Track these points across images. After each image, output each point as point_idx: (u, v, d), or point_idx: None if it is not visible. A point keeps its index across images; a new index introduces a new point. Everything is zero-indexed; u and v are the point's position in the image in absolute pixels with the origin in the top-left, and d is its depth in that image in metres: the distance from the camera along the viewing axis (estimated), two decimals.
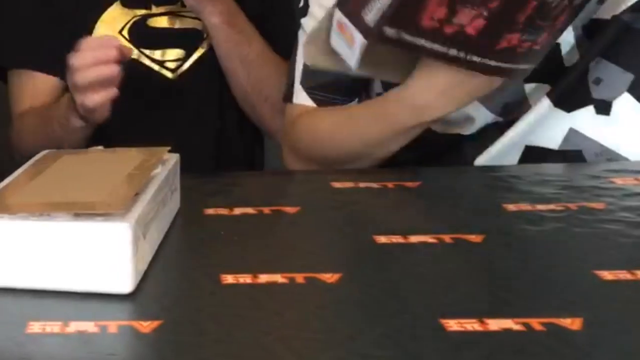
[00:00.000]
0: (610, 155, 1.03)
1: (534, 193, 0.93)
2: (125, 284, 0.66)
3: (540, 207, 0.87)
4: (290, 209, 0.88)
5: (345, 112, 1.10)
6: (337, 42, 0.88)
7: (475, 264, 0.74)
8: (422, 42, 0.88)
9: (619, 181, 0.94)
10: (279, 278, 0.70)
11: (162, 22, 1.41)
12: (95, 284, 0.66)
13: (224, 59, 1.37)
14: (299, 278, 0.70)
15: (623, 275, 0.69)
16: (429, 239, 0.78)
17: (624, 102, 1.03)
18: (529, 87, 1.05)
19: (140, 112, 1.25)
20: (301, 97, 1.14)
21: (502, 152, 1.05)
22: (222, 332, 0.62)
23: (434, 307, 0.64)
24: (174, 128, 1.39)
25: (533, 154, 1.05)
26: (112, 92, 1.16)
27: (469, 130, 1.08)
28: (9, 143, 1.40)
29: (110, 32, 1.39)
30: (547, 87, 1.04)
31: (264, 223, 0.85)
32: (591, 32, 1.03)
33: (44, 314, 0.64)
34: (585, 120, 1.04)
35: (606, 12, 1.02)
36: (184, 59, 1.40)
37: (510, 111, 1.06)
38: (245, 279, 0.70)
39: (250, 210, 0.87)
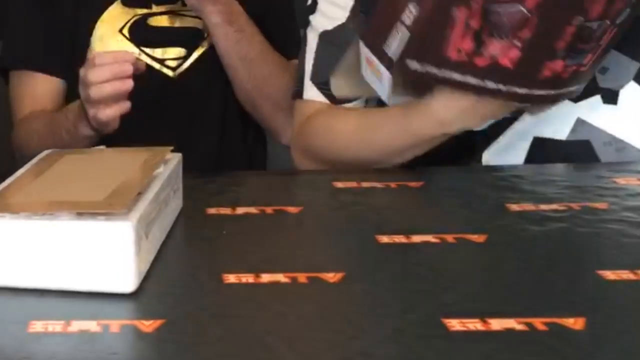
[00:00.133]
0: (619, 145, 1.03)
1: (537, 193, 0.93)
2: (127, 283, 0.66)
3: (543, 207, 0.86)
4: (292, 209, 0.88)
5: (364, 120, 1.08)
6: (368, 75, 0.87)
7: (478, 264, 0.74)
8: (452, 75, 0.88)
9: (621, 181, 0.94)
10: (281, 277, 0.70)
11: (162, 21, 1.41)
12: (97, 283, 0.66)
13: (224, 57, 1.37)
14: (302, 277, 0.70)
15: (626, 275, 0.69)
16: (431, 238, 0.78)
17: (630, 91, 1.03)
18: None
19: (141, 111, 1.24)
20: (312, 93, 1.13)
21: (510, 144, 1.05)
22: (224, 331, 0.62)
23: (437, 307, 0.64)
24: (175, 127, 1.39)
25: (541, 145, 1.04)
26: (125, 106, 1.17)
27: (480, 127, 1.08)
28: (9, 143, 1.41)
29: (110, 31, 1.39)
30: None
31: (266, 223, 0.85)
32: None
33: (46, 313, 0.64)
34: (592, 109, 1.03)
35: None
36: (184, 58, 1.40)
37: (521, 107, 1.06)
38: (248, 278, 0.70)
39: (252, 210, 0.87)
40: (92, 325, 0.62)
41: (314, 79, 1.13)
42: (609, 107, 1.03)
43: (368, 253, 0.76)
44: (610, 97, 1.03)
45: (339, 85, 0.95)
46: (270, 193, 1.01)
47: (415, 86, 0.96)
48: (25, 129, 1.37)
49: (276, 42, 1.39)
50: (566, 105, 1.03)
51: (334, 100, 1.12)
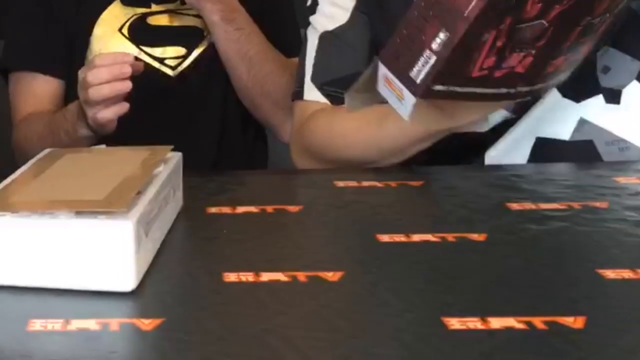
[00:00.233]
0: (622, 144, 1.03)
1: (538, 192, 0.93)
2: (127, 282, 0.66)
3: (543, 206, 0.86)
4: (293, 208, 0.88)
5: (367, 118, 1.08)
6: (385, 92, 0.87)
7: (478, 263, 0.74)
8: (472, 89, 0.88)
9: (622, 180, 0.94)
10: (281, 276, 0.70)
11: (162, 20, 1.41)
12: (97, 282, 0.66)
13: (223, 56, 1.37)
14: (302, 276, 0.70)
15: (626, 274, 0.69)
16: (431, 237, 0.78)
17: (633, 90, 1.03)
18: None
19: (141, 110, 1.25)
20: (312, 94, 1.13)
21: (513, 144, 1.05)
22: (224, 330, 0.62)
23: (436, 306, 0.64)
24: (175, 126, 1.39)
25: (544, 146, 1.04)
26: (124, 107, 1.17)
27: (484, 128, 1.08)
28: (9, 144, 1.41)
29: (110, 30, 1.39)
30: None
31: (266, 222, 0.85)
32: None
33: (46, 311, 0.64)
34: (595, 109, 1.03)
35: None
36: (184, 57, 1.40)
37: (522, 106, 1.06)
38: (248, 277, 0.70)
39: (253, 209, 0.87)
40: (92, 324, 0.62)
41: (314, 80, 1.13)
42: (612, 107, 1.03)
43: (368, 252, 0.76)
44: (613, 97, 1.03)
45: (353, 100, 0.94)
46: (271, 192, 1.01)
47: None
48: (24, 129, 1.38)
49: (276, 40, 1.39)
50: (569, 105, 1.03)
51: (335, 101, 1.12)
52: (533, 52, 0.88)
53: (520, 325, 0.60)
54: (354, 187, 0.96)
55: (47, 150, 0.88)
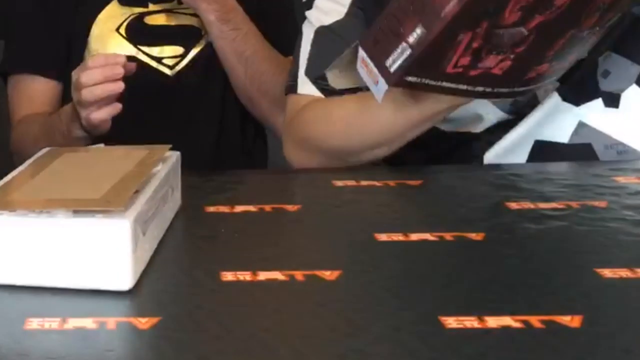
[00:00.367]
0: (620, 148, 1.03)
1: (537, 191, 0.93)
2: (124, 281, 0.66)
3: (542, 205, 0.86)
4: (291, 207, 0.88)
5: (364, 102, 1.07)
6: (362, 73, 0.88)
7: (476, 262, 0.74)
8: (446, 84, 0.90)
9: (621, 179, 0.94)
10: (278, 275, 0.70)
11: (159, 19, 1.41)
12: (94, 281, 0.66)
13: (220, 55, 1.37)
14: (299, 275, 0.70)
15: (624, 273, 0.69)
16: (429, 236, 0.78)
17: (632, 94, 1.03)
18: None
19: (139, 110, 1.25)
20: (307, 88, 1.13)
21: (511, 147, 1.05)
22: (221, 329, 0.62)
23: (433, 305, 0.64)
24: (173, 125, 1.39)
25: (543, 149, 1.04)
26: (117, 107, 1.18)
27: (478, 128, 1.08)
28: (8, 144, 1.42)
29: (107, 30, 1.40)
30: (556, 84, 1.04)
31: (264, 221, 0.85)
32: None
33: (43, 310, 0.64)
34: (594, 113, 1.03)
35: None
36: (182, 56, 1.40)
37: (521, 109, 1.06)
38: (245, 276, 0.70)
39: (251, 208, 0.87)
40: (89, 323, 0.62)
41: (308, 74, 1.13)
42: (611, 111, 1.03)
43: (366, 251, 0.76)
44: (612, 101, 1.03)
45: (336, 77, 0.95)
46: (269, 191, 1.01)
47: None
48: (21, 131, 1.39)
49: (274, 39, 1.39)
50: (568, 109, 1.03)
51: (329, 94, 1.11)
52: (512, 56, 0.89)
53: (517, 324, 0.60)
54: (352, 186, 0.96)
55: (45, 150, 0.88)
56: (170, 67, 1.40)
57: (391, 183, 0.96)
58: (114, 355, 0.59)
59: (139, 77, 1.21)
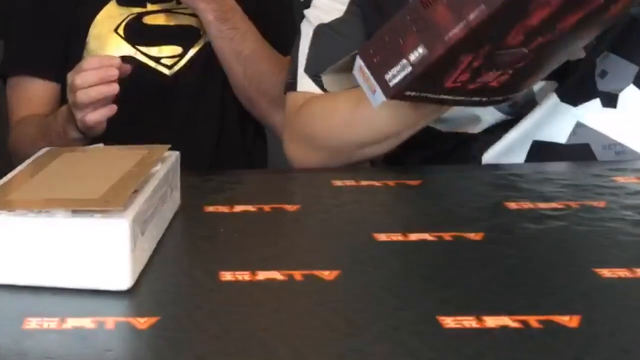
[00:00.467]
0: (618, 148, 1.03)
1: (536, 191, 0.93)
2: (123, 280, 0.66)
3: (541, 205, 0.86)
4: (290, 207, 0.88)
5: (360, 99, 1.07)
6: (359, 80, 0.88)
7: (474, 262, 0.74)
8: (443, 96, 0.91)
9: (620, 179, 0.94)
10: (277, 275, 0.70)
11: (158, 19, 1.41)
12: (93, 281, 0.66)
13: (219, 55, 1.38)
14: (298, 275, 0.70)
15: (623, 273, 0.69)
16: (428, 236, 0.78)
17: (630, 94, 1.03)
18: (537, 85, 1.05)
19: (138, 110, 1.25)
20: (306, 85, 1.13)
21: (509, 148, 1.05)
22: (220, 328, 0.62)
23: (432, 305, 0.64)
24: (172, 125, 1.40)
25: (541, 149, 1.04)
26: (112, 109, 1.19)
27: (475, 129, 1.08)
28: (7, 145, 1.42)
29: (106, 30, 1.40)
30: (554, 84, 1.04)
31: (264, 221, 0.85)
32: None
33: (41, 310, 0.64)
34: (592, 113, 1.03)
35: None
36: (180, 56, 1.40)
37: (519, 110, 1.06)
38: (244, 276, 0.70)
39: (250, 208, 0.87)
40: (87, 323, 0.62)
41: (307, 71, 1.13)
42: (609, 111, 1.03)
43: (365, 251, 0.76)
44: (610, 101, 1.03)
45: (331, 81, 0.95)
46: (268, 191, 1.01)
47: None
48: (19, 131, 1.39)
49: (273, 39, 1.39)
50: (566, 109, 1.03)
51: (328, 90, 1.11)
52: (510, 72, 0.90)
53: (516, 324, 0.60)
54: (352, 186, 0.96)
55: (44, 149, 0.88)
56: (169, 67, 1.40)
57: (390, 183, 0.96)
58: (113, 355, 0.59)
59: (138, 77, 1.21)
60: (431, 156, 1.11)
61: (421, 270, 0.72)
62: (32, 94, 1.41)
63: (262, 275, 0.70)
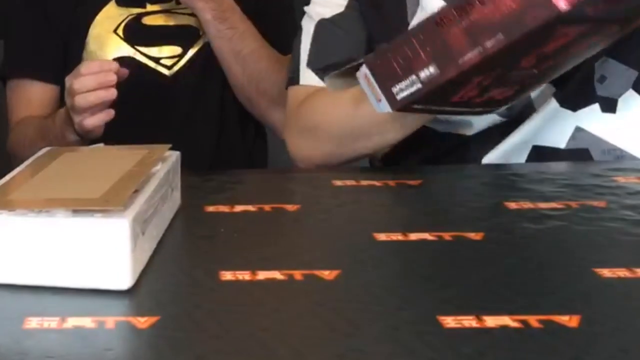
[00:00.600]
0: (617, 153, 1.03)
1: (536, 191, 0.93)
2: (123, 280, 0.66)
3: (541, 205, 0.86)
4: (290, 207, 0.88)
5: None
6: (363, 86, 0.88)
7: (474, 262, 0.74)
8: (448, 108, 0.91)
9: (621, 179, 0.94)
10: (277, 275, 0.70)
11: (157, 19, 1.42)
12: (93, 281, 0.66)
13: (218, 54, 1.38)
14: (298, 275, 0.70)
15: (623, 273, 0.69)
16: (428, 236, 0.78)
17: (629, 99, 1.03)
18: (535, 90, 1.05)
19: (137, 110, 1.25)
20: (309, 78, 1.12)
21: (508, 152, 1.05)
22: (220, 328, 0.62)
23: (432, 304, 0.64)
24: (172, 125, 1.40)
25: (540, 154, 1.05)
26: (110, 114, 1.19)
27: (470, 130, 1.08)
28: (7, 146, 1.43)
29: (105, 31, 1.40)
30: (553, 89, 1.04)
31: (264, 221, 0.85)
32: None
33: (42, 309, 0.64)
34: (591, 118, 1.04)
35: None
36: (180, 56, 1.41)
37: (515, 112, 1.06)
38: (244, 276, 0.70)
39: (250, 207, 0.87)
40: (87, 322, 0.62)
41: (310, 65, 1.13)
42: (608, 116, 1.03)
43: (365, 251, 0.76)
44: (609, 106, 1.03)
45: (334, 83, 0.95)
46: (269, 191, 1.01)
47: None
48: (18, 133, 1.40)
49: (273, 39, 1.40)
50: (565, 114, 1.03)
51: None
52: (516, 87, 0.91)
53: (516, 324, 0.60)
54: (352, 186, 0.96)
55: (44, 149, 0.88)
56: (168, 68, 1.40)
57: (391, 183, 0.96)
58: (113, 354, 0.59)
59: (137, 78, 1.21)
60: (430, 156, 1.11)
61: (421, 270, 0.72)
62: (32, 96, 1.42)
63: (262, 275, 0.70)
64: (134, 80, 1.20)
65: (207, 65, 1.40)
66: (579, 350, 0.57)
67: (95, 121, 1.19)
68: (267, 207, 0.87)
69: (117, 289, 0.66)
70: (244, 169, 1.40)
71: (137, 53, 1.39)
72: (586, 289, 0.67)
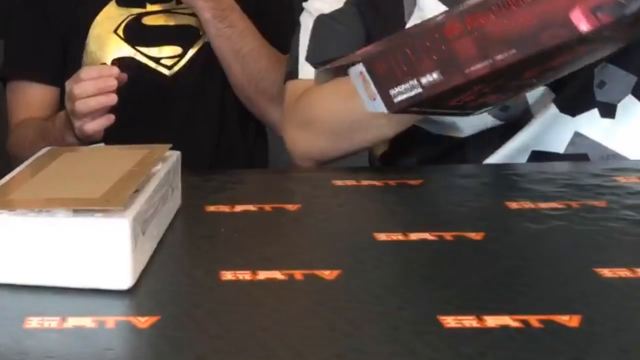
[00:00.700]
0: (616, 158, 1.03)
1: (536, 191, 0.93)
2: (123, 280, 0.66)
3: (542, 205, 0.86)
4: (291, 207, 0.88)
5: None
6: (357, 83, 0.87)
7: (475, 262, 0.74)
8: (442, 110, 0.92)
9: (621, 179, 0.94)
10: (278, 275, 0.70)
11: (157, 20, 1.42)
12: (93, 280, 0.67)
13: (218, 53, 1.38)
14: (298, 275, 0.70)
15: (623, 272, 0.69)
16: (429, 236, 0.78)
17: (628, 105, 1.03)
18: (533, 95, 1.05)
19: (138, 110, 1.25)
20: (308, 73, 1.12)
21: (508, 157, 1.05)
22: (220, 328, 0.62)
23: (432, 304, 0.64)
24: (172, 125, 1.40)
25: (539, 159, 1.05)
26: (110, 119, 1.19)
27: (459, 133, 1.08)
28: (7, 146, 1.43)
29: (105, 31, 1.40)
30: (552, 95, 1.04)
31: (264, 220, 0.85)
32: None
33: (42, 309, 0.64)
34: (590, 123, 1.04)
35: None
36: (180, 56, 1.41)
37: (512, 115, 1.06)
38: (245, 275, 0.70)
39: (251, 207, 0.87)
40: (88, 322, 0.62)
41: (309, 59, 1.13)
42: (607, 121, 1.03)
43: (365, 250, 0.76)
44: (608, 111, 1.03)
45: (323, 77, 0.94)
46: (269, 191, 1.01)
47: None
48: (18, 134, 1.40)
49: (273, 38, 1.40)
50: (564, 119, 1.03)
51: None
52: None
53: (516, 324, 0.60)
54: (352, 186, 0.96)
55: (45, 149, 0.88)
56: (169, 68, 1.40)
57: (391, 183, 0.96)
58: (113, 354, 0.59)
59: (138, 78, 1.21)
60: (427, 158, 1.10)
61: (421, 270, 0.72)
62: (31, 98, 1.42)
63: (262, 274, 0.70)
64: (134, 80, 1.20)
65: (207, 65, 1.40)
66: (579, 350, 0.57)
67: (95, 126, 1.19)
68: (267, 207, 0.87)
69: (117, 288, 0.66)
70: (244, 169, 1.40)
71: (138, 53, 1.39)
72: (587, 289, 0.67)
